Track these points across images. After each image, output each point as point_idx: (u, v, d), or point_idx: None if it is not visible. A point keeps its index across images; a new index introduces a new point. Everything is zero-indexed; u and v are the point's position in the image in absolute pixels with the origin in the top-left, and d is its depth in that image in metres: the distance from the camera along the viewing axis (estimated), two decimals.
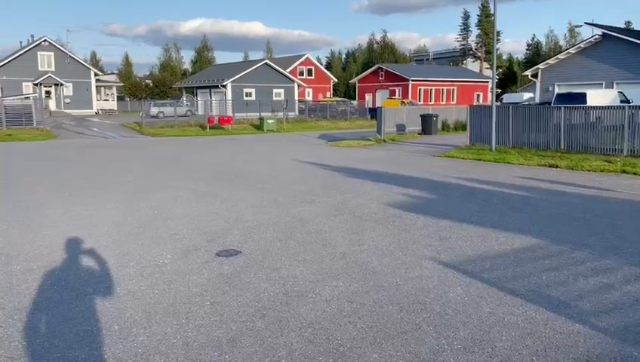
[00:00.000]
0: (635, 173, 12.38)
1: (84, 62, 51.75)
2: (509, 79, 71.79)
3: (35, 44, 46.51)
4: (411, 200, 9.41)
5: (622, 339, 3.89)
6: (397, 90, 51.17)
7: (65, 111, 46.20)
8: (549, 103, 20.89)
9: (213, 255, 6.10)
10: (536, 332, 4.04)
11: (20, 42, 52.11)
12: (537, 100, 29.54)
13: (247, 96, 46.63)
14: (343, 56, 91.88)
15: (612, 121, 15.19)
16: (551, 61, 29.53)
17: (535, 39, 78.98)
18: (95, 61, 78.28)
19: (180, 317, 4.36)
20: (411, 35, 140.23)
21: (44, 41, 46.94)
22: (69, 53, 48.16)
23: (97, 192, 10.46)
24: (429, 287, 5.01)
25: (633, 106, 15.14)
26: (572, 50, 28.76)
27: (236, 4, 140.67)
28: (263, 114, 37.10)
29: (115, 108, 53.01)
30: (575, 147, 15.93)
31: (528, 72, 31.48)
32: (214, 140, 25.66)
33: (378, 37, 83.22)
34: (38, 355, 3.74)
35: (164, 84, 69.06)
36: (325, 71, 65.26)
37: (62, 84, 46.63)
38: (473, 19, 74.62)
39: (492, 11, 54.52)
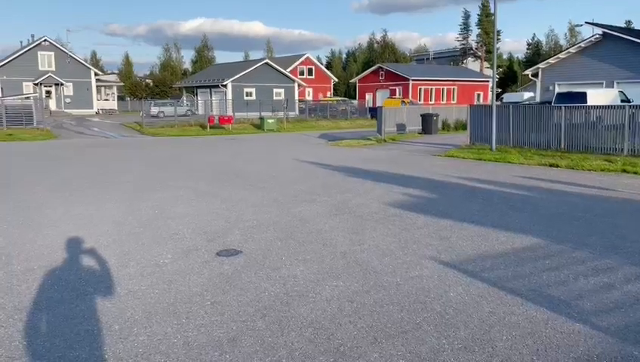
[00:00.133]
0: (635, 173, 12.38)
1: (84, 62, 51.77)
2: (509, 78, 71.78)
3: (35, 44, 46.52)
4: (412, 200, 9.41)
5: (622, 339, 3.89)
6: (397, 90, 51.15)
7: (65, 111, 46.25)
8: (550, 103, 20.87)
9: (214, 254, 6.10)
10: (537, 331, 4.04)
11: (20, 42, 52.16)
12: (538, 100, 29.51)
13: (247, 95, 46.62)
14: (344, 55, 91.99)
15: (612, 120, 15.20)
16: (551, 60, 29.49)
17: (535, 38, 79.04)
18: (95, 61, 78.39)
19: (181, 317, 4.37)
20: (411, 34, 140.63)
21: (45, 40, 46.95)
22: (70, 53, 48.16)
23: (98, 192, 10.47)
24: (430, 287, 5.01)
25: (633, 106, 15.15)
26: (572, 50, 28.73)
27: (236, 4, 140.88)
28: (263, 113, 37.15)
29: (116, 108, 53.04)
30: (575, 146, 15.94)
31: (528, 72, 31.44)
32: (215, 140, 25.67)
33: (378, 36, 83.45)
34: (38, 355, 3.74)
35: (165, 84, 69.05)
36: (325, 70, 65.23)
37: (62, 84, 46.65)
38: (473, 19, 74.70)
39: (492, 11, 54.74)
